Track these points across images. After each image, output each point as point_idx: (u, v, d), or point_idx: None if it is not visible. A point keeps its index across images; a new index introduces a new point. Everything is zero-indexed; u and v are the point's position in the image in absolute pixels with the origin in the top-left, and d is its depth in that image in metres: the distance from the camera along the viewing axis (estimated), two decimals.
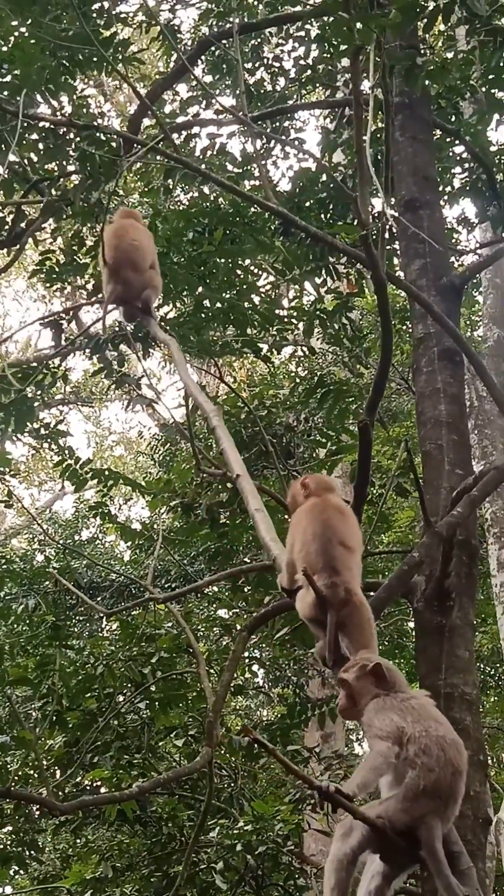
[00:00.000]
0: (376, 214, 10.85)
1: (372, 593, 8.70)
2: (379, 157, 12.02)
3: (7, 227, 10.22)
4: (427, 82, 9.55)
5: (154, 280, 8.44)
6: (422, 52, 10.13)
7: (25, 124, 8.89)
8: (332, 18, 6.50)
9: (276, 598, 10.14)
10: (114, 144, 9.30)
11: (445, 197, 11.99)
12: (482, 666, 15.34)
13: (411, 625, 12.99)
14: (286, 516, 6.35)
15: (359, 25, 5.89)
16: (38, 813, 9.62)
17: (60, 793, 9.20)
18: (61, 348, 9.23)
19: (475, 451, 14.03)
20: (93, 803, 8.69)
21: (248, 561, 11.33)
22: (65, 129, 9.30)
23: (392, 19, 6.14)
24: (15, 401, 9.08)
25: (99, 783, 9.74)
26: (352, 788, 4.15)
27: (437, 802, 4.21)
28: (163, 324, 10.41)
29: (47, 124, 9.35)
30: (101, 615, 12.75)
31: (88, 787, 10.07)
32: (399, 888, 7.81)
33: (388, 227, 5.97)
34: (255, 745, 9.96)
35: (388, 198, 6.33)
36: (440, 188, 11.23)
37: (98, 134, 9.18)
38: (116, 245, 8.33)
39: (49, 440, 11.17)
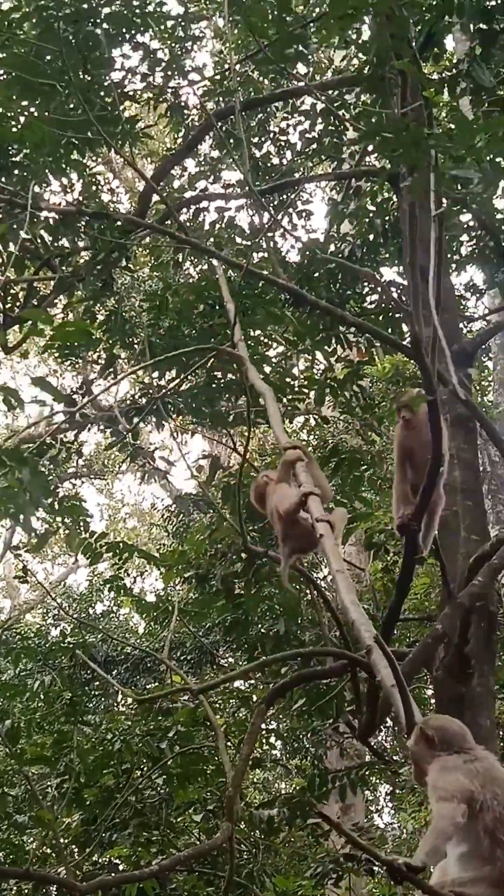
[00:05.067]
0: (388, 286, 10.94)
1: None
2: (387, 228, 12.18)
3: (19, 303, 10.31)
4: (433, 152, 9.66)
5: None
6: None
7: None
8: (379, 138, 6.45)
9: (294, 670, 10.08)
10: (120, 224, 9.40)
11: (453, 265, 12.08)
12: (501, 733, 15.16)
13: (429, 692, 12.89)
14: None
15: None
16: (56, 893, 9.49)
17: (79, 872, 9.09)
18: (77, 422, 9.27)
19: (489, 516, 14.00)
20: (113, 883, 8.55)
21: (264, 632, 11.26)
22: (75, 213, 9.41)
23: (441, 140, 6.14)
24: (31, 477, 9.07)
25: (118, 861, 9.63)
26: (421, 858, 3.90)
27: None
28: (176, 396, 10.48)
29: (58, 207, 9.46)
30: (117, 689, 12.68)
31: (107, 866, 9.95)
32: None
33: (438, 329, 5.93)
34: (276, 820, 9.86)
35: (438, 310, 6.27)
36: (448, 256, 11.32)
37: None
38: None
39: (63, 515, 11.17)
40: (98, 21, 9.48)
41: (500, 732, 14.67)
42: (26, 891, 9.24)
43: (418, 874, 3.88)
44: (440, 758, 4.25)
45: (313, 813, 9.13)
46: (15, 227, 8.89)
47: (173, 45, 11.40)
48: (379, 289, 11.50)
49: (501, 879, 3.96)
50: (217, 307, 10.03)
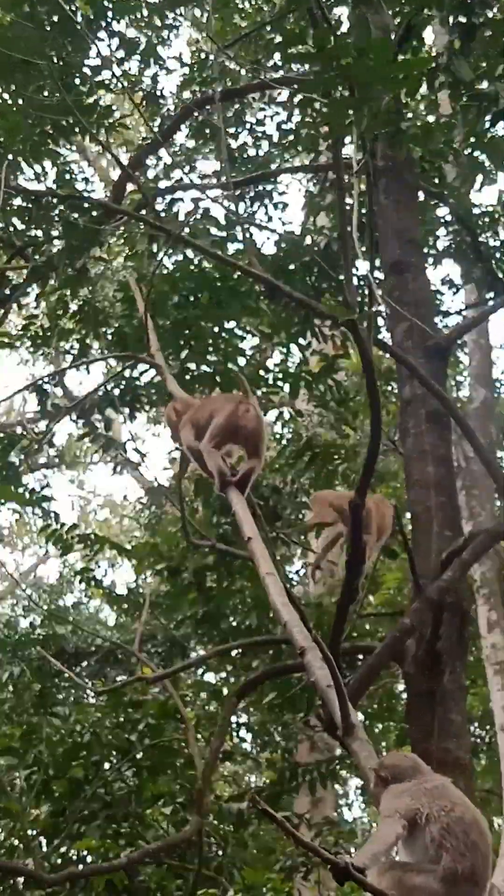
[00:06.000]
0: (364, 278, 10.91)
1: (361, 656, 8.68)
2: (363, 221, 12.15)
3: None
4: (411, 146, 9.65)
5: None
6: (405, 116, 10.22)
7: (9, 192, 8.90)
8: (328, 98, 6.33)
9: (265, 663, 10.07)
10: (95, 213, 9.33)
11: (430, 259, 12.05)
12: (472, 728, 15.18)
13: (400, 686, 12.89)
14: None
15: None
16: (23, 885, 9.43)
17: (47, 864, 9.04)
18: (51, 415, 9.22)
19: (463, 512, 13.98)
20: (81, 875, 8.53)
21: (236, 625, 11.24)
22: (49, 197, 9.33)
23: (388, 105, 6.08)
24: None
25: (86, 853, 9.58)
26: (362, 860, 4.04)
27: (473, 889, 4.17)
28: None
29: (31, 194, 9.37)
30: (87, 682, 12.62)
31: (75, 858, 9.90)
32: None
33: (375, 291, 5.91)
34: (246, 813, 9.84)
35: (373, 267, 6.27)
36: (424, 250, 11.29)
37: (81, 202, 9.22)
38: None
39: (34, 505, 11.13)
40: (74, 10, 9.41)
41: (470, 727, 14.71)
42: None
43: (360, 874, 4.00)
44: (390, 787, 4.43)
45: (257, 807, 9.12)
46: None
47: (150, 33, 11.33)
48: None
49: (448, 876, 4.13)
50: (191, 298, 9.97)
